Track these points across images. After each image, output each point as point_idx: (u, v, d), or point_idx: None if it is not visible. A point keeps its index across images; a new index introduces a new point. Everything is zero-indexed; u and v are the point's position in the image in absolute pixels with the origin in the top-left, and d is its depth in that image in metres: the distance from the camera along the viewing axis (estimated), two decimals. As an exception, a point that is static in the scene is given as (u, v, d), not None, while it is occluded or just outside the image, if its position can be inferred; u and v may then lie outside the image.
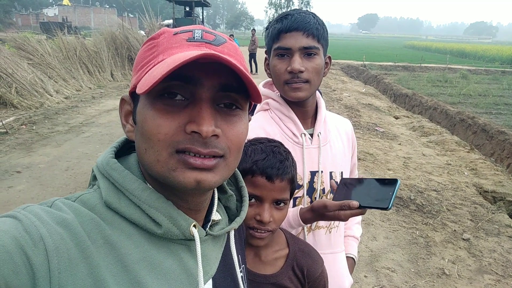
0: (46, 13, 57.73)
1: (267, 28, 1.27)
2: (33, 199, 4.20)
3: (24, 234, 0.47)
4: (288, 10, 1.27)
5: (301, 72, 1.16)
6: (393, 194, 0.98)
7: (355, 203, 1.01)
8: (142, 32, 16.86)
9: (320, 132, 1.29)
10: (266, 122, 1.29)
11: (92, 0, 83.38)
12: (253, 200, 1.01)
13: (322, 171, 1.27)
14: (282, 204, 1.04)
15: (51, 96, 9.24)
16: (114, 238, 0.56)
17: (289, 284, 1.07)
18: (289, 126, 1.26)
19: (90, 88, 11.25)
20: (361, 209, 1.02)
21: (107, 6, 76.39)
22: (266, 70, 1.33)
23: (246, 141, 1.11)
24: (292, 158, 1.08)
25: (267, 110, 1.32)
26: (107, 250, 0.54)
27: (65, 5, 59.20)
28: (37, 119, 7.64)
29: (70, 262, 0.49)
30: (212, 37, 0.60)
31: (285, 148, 1.08)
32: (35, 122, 7.39)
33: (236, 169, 0.80)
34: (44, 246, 0.48)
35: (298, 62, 1.15)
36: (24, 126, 7.05)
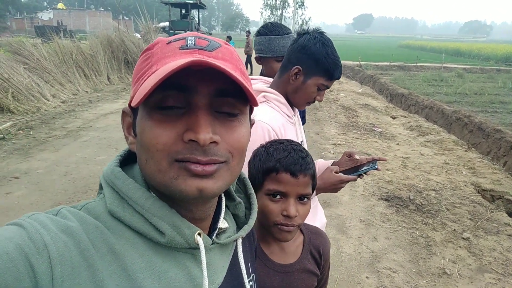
0: (41, 17, 57.54)
1: (305, 49, 1.51)
2: (32, 205, 4.19)
3: (28, 241, 0.48)
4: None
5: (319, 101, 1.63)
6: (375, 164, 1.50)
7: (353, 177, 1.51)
8: (138, 35, 16.81)
9: (296, 113, 1.72)
10: (272, 111, 1.55)
11: (86, 3, 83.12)
12: (278, 197, 1.07)
13: (302, 141, 1.70)
14: (305, 199, 1.09)
15: (48, 100, 9.20)
16: (118, 246, 0.56)
17: (310, 266, 1.18)
18: (285, 111, 1.57)
19: (86, 92, 11.21)
20: (356, 176, 1.52)
21: (102, 9, 76.17)
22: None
23: (266, 142, 1.18)
24: (311, 156, 1.14)
25: (263, 102, 1.57)
26: (111, 258, 0.54)
27: (59, 8, 59.00)
28: (34, 124, 7.61)
29: (74, 270, 0.50)
30: (206, 43, 0.59)
31: (303, 147, 1.15)
32: (32, 127, 7.36)
33: (246, 176, 0.80)
34: (48, 254, 0.48)
35: (323, 96, 1.60)
36: (21, 131, 7.02)
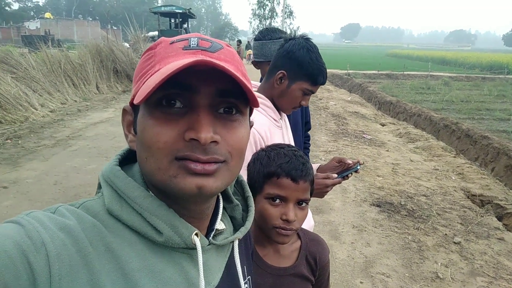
0: (28, 26, 56.90)
1: (290, 55, 1.53)
2: (21, 215, 4.11)
3: (26, 239, 0.48)
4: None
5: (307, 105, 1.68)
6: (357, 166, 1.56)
7: (334, 175, 1.53)
8: (127, 44, 16.78)
9: (284, 117, 1.73)
10: (259, 115, 1.54)
11: (74, 13, 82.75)
12: (278, 201, 1.09)
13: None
14: (304, 204, 1.12)
15: (36, 109, 9.09)
16: (116, 245, 0.56)
17: (306, 272, 1.20)
18: (271, 114, 1.59)
19: (75, 101, 11.10)
20: (341, 178, 1.53)
21: (90, 19, 75.83)
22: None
23: (266, 146, 1.20)
24: (310, 162, 1.18)
25: None
26: (108, 257, 0.54)
27: (47, 18, 58.50)
28: (22, 133, 7.50)
29: (71, 268, 0.50)
30: (208, 44, 0.60)
31: (302, 153, 1.17)
32: (20, 137, 7.25)
33: (243, 179, 0.81)
34: (45, 252, 0.48)
35: (309, 100, 1.64)
36: (9, 141, 6.91)
